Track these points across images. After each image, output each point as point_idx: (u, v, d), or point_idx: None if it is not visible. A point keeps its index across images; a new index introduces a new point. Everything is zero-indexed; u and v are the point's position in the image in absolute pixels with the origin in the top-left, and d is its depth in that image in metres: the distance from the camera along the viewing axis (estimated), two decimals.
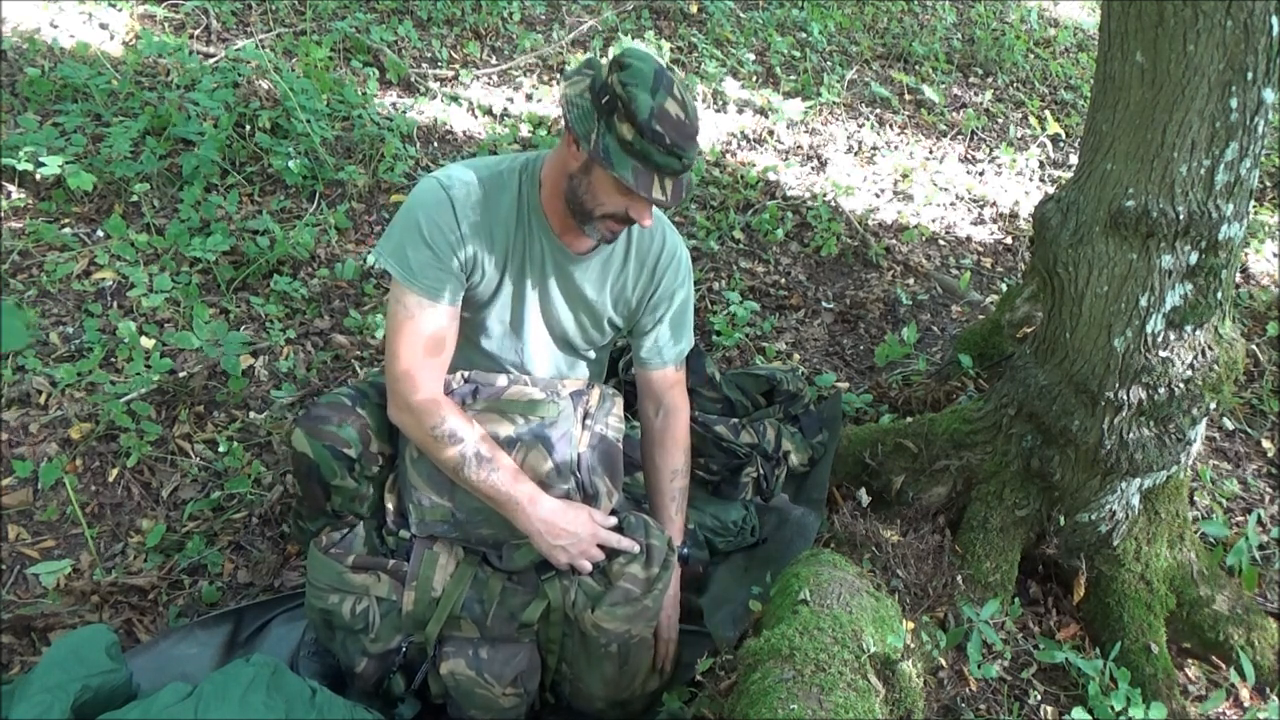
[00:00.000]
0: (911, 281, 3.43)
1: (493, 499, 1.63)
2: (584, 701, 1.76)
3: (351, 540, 1.73)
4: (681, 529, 1.87)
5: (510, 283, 1.72)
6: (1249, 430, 2.80)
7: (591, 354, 1.89)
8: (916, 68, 5.12)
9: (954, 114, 4.74)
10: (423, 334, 1.62)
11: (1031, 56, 5.51)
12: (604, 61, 1.53)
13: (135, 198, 2.94)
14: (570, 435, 1.69)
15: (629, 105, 1.44)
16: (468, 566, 1.69)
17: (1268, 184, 4.05)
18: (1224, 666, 2.07)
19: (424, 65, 4.17)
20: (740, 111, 4.36)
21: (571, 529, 1.63)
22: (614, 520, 1.71)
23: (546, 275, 1.72)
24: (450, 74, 4.12)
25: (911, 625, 1.78)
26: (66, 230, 2.80)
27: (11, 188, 2.87)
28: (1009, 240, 3.81)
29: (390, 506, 1.75)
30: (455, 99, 3.96)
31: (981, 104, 4.86)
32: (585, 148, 1.49)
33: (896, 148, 4.35)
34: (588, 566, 1.66)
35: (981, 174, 4.27)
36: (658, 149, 1.46)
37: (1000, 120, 4.79)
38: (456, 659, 1.67)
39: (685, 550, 1.86)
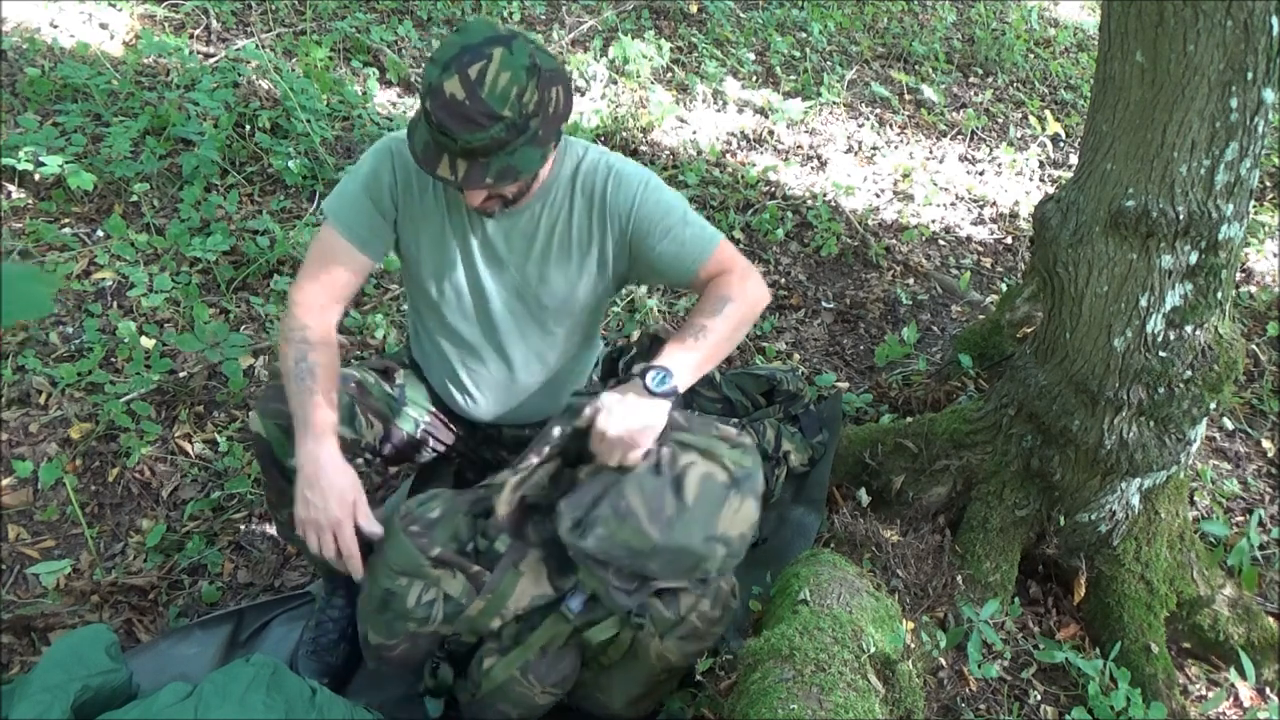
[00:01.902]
0: (911, 281, 3.43)
1: (293, 415, 1.60)
2: (596, 707, 1.76)
3: (435, 525, 1.62)
4: (673, 360, 1.55)
5: (455, 243, 1.72)
6: (1249, 430, 2.80)
7: (565, 319, 1.79)
8: (916, 68, 5.12)
9: (954, 114, 4.74)
10: (326, 268, 1.70)
11: (1031, 56, 5.51)
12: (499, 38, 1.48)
13: (135, 198, 2.94)
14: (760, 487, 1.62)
15: (422, 81, 1.47)
16: (557, 622, 1.61)
17: (1268, 184, 4.05)
18: (1224, 666, 2.07)
19: (424, 65, 4.17)
20: (740, 111, 4.36)
21: (324, 496, 1.53)
22: (378, 529, 1.57)
23: (489, 233, 1.70)
24: None
25: (911, 625, 1.78)
26: (66, 230, 2.80)
27: (11, 188, 2.87)
28: (1009, 240, 3.81)
29: (502, 512, 1.61)
30: None
31: (981, 104, 4.86)
32: None
33: (896, 148, 4.35)
34: (314, 546, 1.55)
35: (981, 174, 4.27)
36: (430, 125, 1.46)
37: (1000, 120, 4.79)
38: (499, 655, 1.63)
39: (658, 376, 1.53)
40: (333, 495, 1.53)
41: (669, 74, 4.52)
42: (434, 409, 1.90)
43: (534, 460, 1.58)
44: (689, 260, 1.66)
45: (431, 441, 1.92)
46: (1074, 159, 3.45)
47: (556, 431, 1.58)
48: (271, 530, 2.19)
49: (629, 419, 1.49)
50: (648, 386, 1.51)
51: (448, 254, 1.72)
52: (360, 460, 1.78)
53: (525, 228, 1.69)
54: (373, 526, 1.56)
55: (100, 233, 2.83)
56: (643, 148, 3.92)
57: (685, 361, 1.56)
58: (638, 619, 1.58)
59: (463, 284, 1.74)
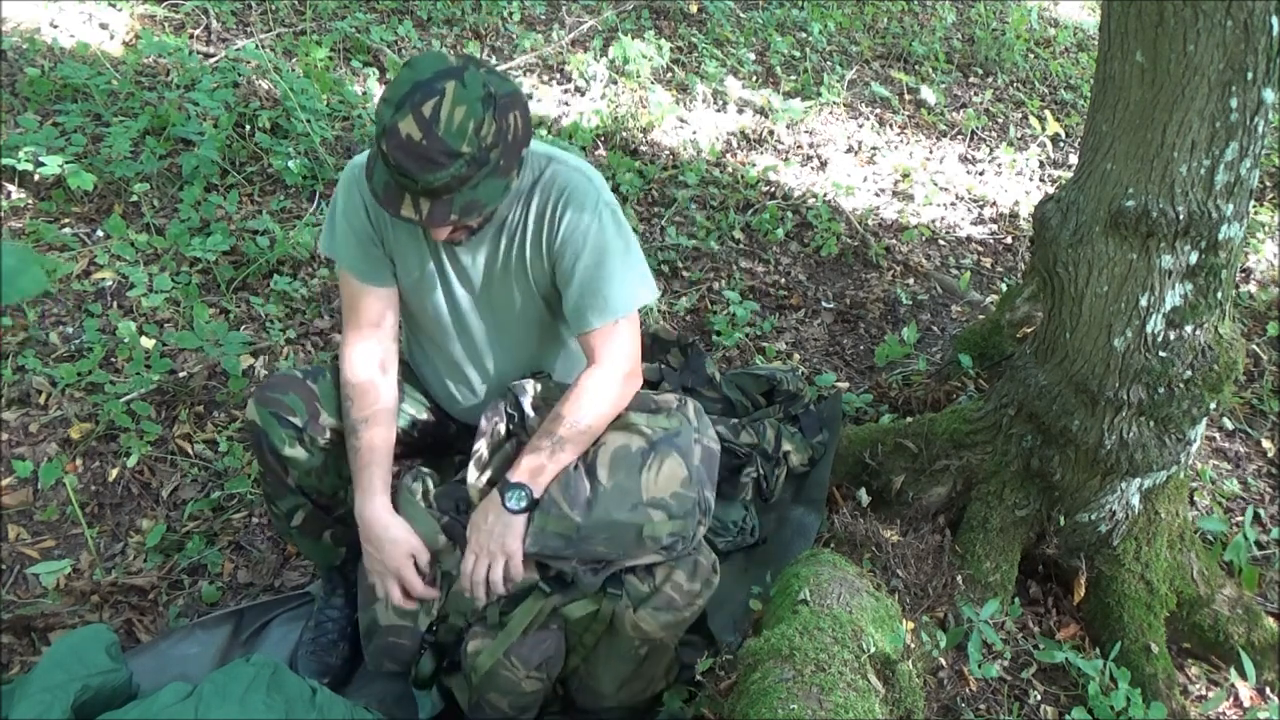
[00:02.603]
0: (911, 281, 3.43)
1: (351, 471, 1.69)
2: (590, 698, 1.77)
3: (436, 498, 1.73)
4: (525, 470, 1.60)
5: (430, 267, 1.71)
6: (1249, 430, 2.80)
7: (535, 328, 1.81)
8: (916, 68, 5.12)
9: (954, 114, 4.74)
10: (355, 313, 1.73)
11: (1031, 56, 5.51)
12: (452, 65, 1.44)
13: (135, 198, 2.94)
14: (694, 446, 1.68)
15: (377, 120, 1.44)
16: (536, 600, 1.67)
17: (1268, 184, 4.05)
18: (1224, 666, 2.07)
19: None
20: (740, 111, 4.36)
21: (380, 549, 1.64)
22: (425, 557, 1.65)
23: (459, 255, 1.70)
24: None
25: (911, 625, 1.78)
26: (66, 230, 2.80)
27: (11, 188, 2.87)
28: (1009, 240, 3.81)
29: (476, 500, 1.69)
30: None
31: (981, 104, 4.86)
32: None
33: (896, 148, 4.35)
34: (382, 594, 1.66)
35: (981, 174, 4.27)
36: (388, 167, 1.42)
37: (1000, 120, 4.79)
38: (485, 638, 1.67)
39: (511, 491, 1.60)
40: (386, 547, 1.63)
41: (669, 74, 4.52)
42: (429, 405, 1.92)
43: (484, 448, 1.70)
44: (579, 321, 1.66)
45: (427, 440, 1.94)
46: (1074, 159, 3.45)
47: (492, 424, 1.71)
48: (271, 530, 2.19)
49: (487, 544, 1.60)
50: (506, 506, 1.59)
51: (425, 279, 1.72)
52: None
53: (489, 246, 1.69)
54: (422, 591, 1.66)
55: (100, 233, 2.83)
56: (643, 148, 3.92)
57: (539, 470, 1.61)
58: (613, 592, 1.64)
59: (441, 305, 1.75)
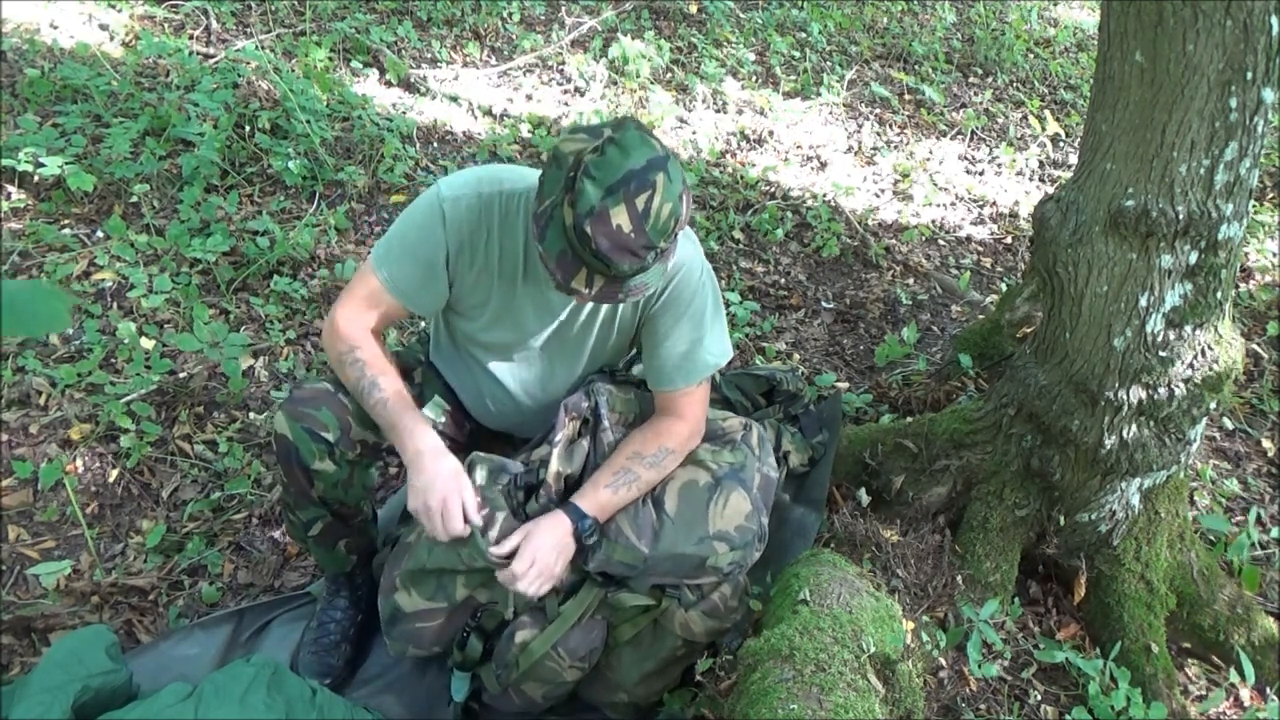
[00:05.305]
0: (911, 281, 3.43)
1: (383, 424, 1.66)
2: (602, 690, 1.78)
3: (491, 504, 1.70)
4: (601, 506, 1.67)
5: (507, 305, 1.70)
6: (1249, 430, 2.80)
7: (593, 370, 1.87)
8: (916, 68, 5.12)
9: (954, 114, 4.74)
10: (367, 299, 1.68)
11: (1031, 56, 5.51)
12: (609, 132, 1.44)
13: (135, 198, 2.94)
14: (755, 475, 1.76)
15: (577, 193, 1.39)
16: (590, 588, 1.70)
17: (1268, 184, 4.05)
18: (1224, 666, 2.07)
19: (424, 65, 4.17)
20: (740, 112, 4.36)
21: (429, 482, 1.60)
22: (477, 520, 1.64)
23: (549, 297, 1.69)
24: (450, 74, 4.12)
25: (911, 625, 1.78)
26: (66, 231, 2.80)
27: (11, 188, 2.87)
28: (1009, 240, 3.81)
29: (552, 482, 1.71)
30: (455, 99, 3.96)
31: (981, 104, 4.86)
32: (534, 208, 1.48)
33: (896, 148, 4.35)
34: (430, 529, 1.60)
35: (981, 174, 4.27)
36: (584, 247, 1.41)
37: (1000, 120, 4.79)
38: (534, 628, 1.69)
39: (589, 528, 1.66)
40: (440, 480, 1.59)
41: (669, 74, 4.52)
42: (449, 407, 1.91)
43: (561, 444, 1.72)
44: (663, 380, 1.73)
45: (445, 441, 1.93)
46: (1074, 159, 3.45)
47: (571, 420, 1.74)
48: (271, 531, 2.19)
49: (548, 564, 1.60)
50: (579, 537, 1.64)
51: (503, 311, 1.71)
52: (380, 462, 1.83)
53: (580, 304, 1.70)
54: (473, 516, 1.61)
55: (100, 233, 2.83)
56: None
57: (612, 507, 1.68)
58: (671, 592, 1.70)
59: (511, 336, 1.75)
